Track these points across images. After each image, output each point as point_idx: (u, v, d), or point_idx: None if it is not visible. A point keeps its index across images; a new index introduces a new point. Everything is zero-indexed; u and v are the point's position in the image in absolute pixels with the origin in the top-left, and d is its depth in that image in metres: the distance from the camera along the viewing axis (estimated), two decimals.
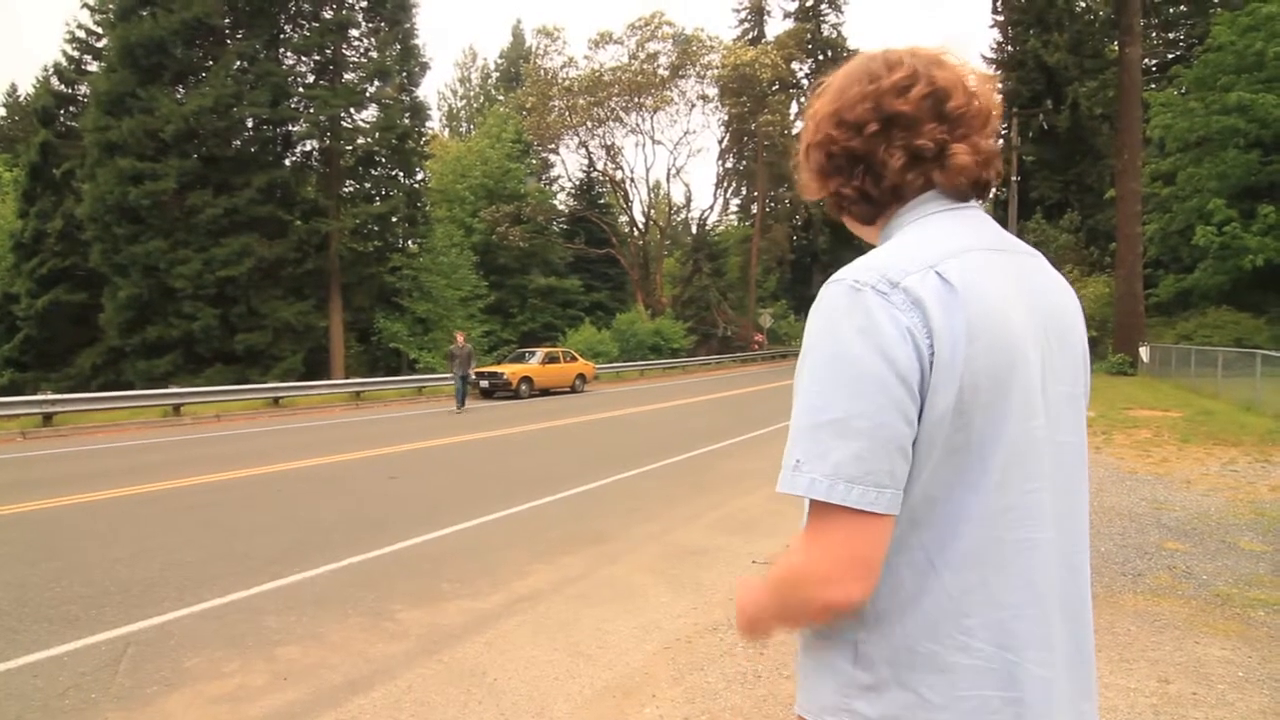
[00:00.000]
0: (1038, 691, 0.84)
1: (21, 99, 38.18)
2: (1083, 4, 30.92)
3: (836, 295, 0.85)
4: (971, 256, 0.87)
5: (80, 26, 25.73)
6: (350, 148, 25.42)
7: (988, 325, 0.82)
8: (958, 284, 0.83)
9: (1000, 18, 33.14)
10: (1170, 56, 28.50)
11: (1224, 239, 18.61)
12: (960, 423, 0.81)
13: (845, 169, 0.97)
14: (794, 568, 0.85)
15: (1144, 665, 3.18)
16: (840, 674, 0.89)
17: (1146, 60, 26.01)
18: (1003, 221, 28.68)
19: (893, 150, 0.92)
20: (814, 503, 0.82)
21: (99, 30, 25.30)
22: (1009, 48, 32.57)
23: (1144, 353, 20.08)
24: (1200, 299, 21.24)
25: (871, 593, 0.83)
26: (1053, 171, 30.10)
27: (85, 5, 25.37)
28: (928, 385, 0.81)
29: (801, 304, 49.28)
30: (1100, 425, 10.53)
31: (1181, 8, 28.83)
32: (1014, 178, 25.22)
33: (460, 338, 15.91)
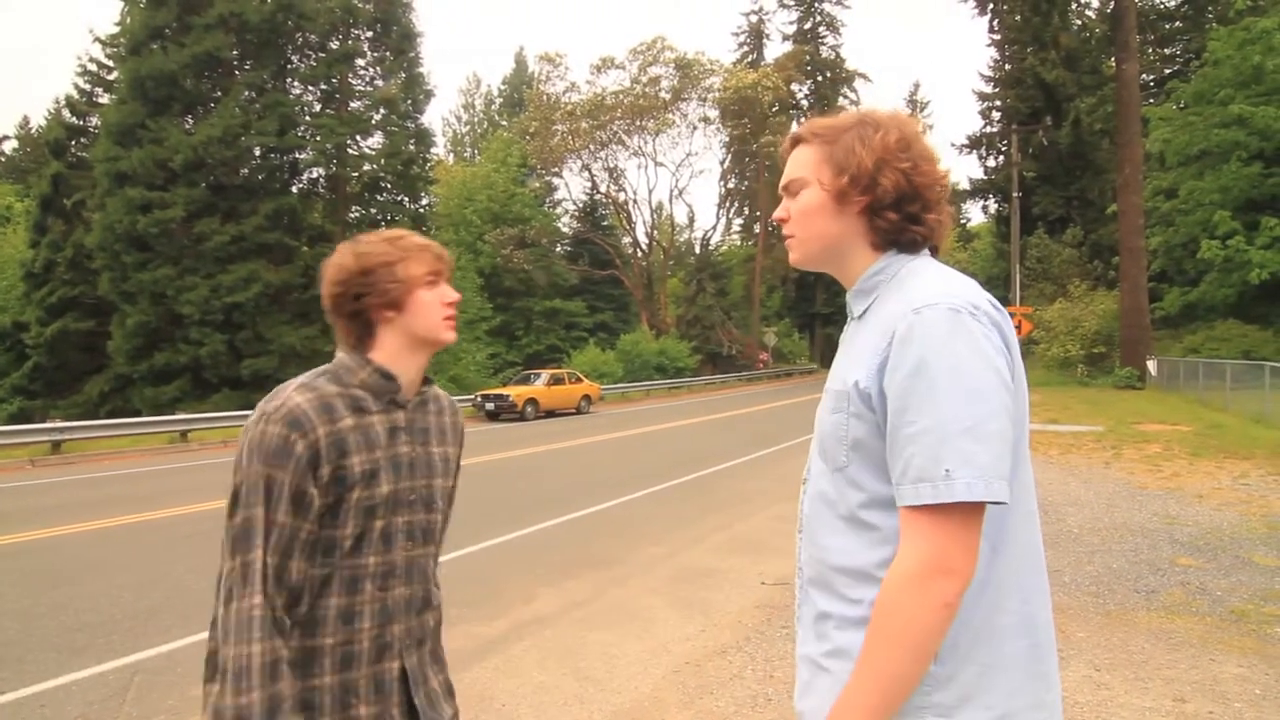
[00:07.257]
0: (1050, 639, 0.99)
1: (34, 131, 38.84)
2: (1078, 22, 31.24)
3: (937, 319, 0.91)
4: None
5: (92, 60, 26.27)
6: (356, 174, 25.74)
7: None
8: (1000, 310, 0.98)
9: (997, 36, 33.49)
10: (1168, 72, 28.72)
11: (1228, 252, 18.59)
12: (1018, 416, 0.95)
13: (883, 207, 1.03)
14: (923, 570, 0.87)
15: (1159, 684, 3.14)
16: None
17: (1144, 76, 26.20)
18: (1005, 237, 28.76)
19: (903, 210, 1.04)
20: (931, 506, 0.87)
21: (110, 64, 25.83)
22: (1006, 66, 32.89)
23: (1151, 366, 19.98)
24: (1207, 312, 21.16)
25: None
26: (1054, 187, 30.22)
27: (97, 39, 25.94)
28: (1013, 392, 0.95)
29: (805, 322, 49.20)
30: (1109, 440, 10.45)
31: (1177, 24, 29.10)
32: (1015, 194, 25.30)
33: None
